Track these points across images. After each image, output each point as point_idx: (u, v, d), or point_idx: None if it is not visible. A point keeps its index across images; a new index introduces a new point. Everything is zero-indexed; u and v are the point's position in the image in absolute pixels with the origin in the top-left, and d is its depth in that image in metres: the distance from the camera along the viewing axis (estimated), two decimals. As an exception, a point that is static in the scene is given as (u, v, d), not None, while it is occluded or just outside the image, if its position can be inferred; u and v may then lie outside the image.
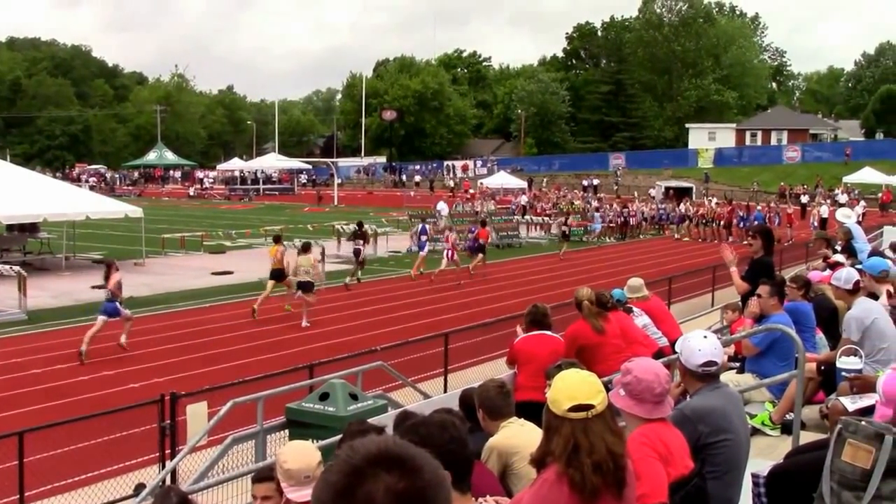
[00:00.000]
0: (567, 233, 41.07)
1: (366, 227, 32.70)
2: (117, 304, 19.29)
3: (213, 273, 31.27)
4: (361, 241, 30.18)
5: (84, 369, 17.83)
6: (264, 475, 5.68)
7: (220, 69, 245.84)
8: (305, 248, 24.21)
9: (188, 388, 12.62)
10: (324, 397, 9.61)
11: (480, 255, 32.13)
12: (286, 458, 5.04)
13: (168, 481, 9.90)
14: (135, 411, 11.82)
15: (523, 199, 60.23)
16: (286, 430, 9.92)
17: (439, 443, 3.62)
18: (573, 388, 3.74)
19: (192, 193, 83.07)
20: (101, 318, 19.08)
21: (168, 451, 10.95)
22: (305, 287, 23.10)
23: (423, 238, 32.58)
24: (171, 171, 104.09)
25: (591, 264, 36.33)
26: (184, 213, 60.79)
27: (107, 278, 19.43)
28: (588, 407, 3.68)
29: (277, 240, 25.17)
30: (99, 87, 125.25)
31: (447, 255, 30.94)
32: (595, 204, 54.24)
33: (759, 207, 48.19)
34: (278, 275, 24.15)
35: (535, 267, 35.06)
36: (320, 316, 23.54)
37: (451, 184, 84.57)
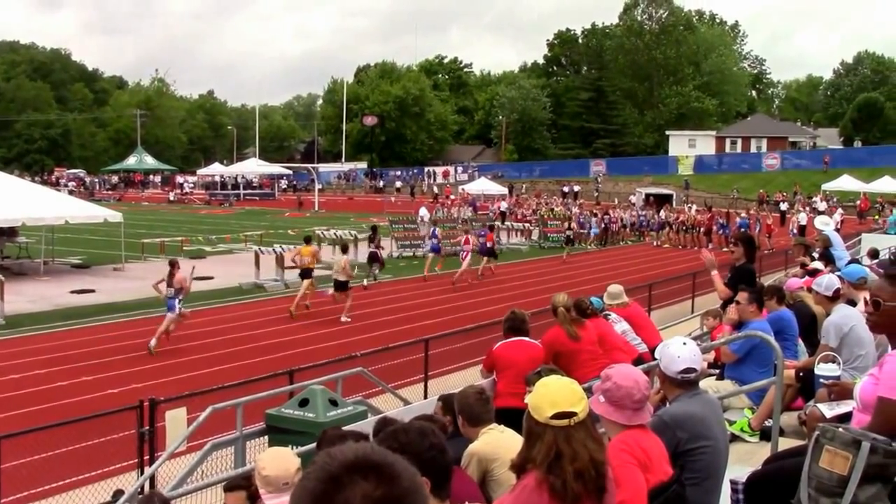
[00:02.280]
0: (571, 237, 42.85)
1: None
2: (176, 301, 20.27)
3: (193, 278, 31.09)
4: (374, 245, 31.68)
5: (62, 375, 17.71)
6: (235, 484, 5.66)
7: (201, 74, 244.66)
8: (344, 249, 26.49)
9: (167, 393, 12.56)
10: (304, 403, 9.59)
11: (491, 258, 33.75)
12: (264, 464, 5.02)
13: (146, 487, 9.86)
14: (113, 417, 11.74)
15: (503, 205, 60.35)
16: (266, 437, 9.90)
17: (419, 450, 3.61)
18: (555, 395, 3.75)
19: (172, 198, 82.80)
20: (168, 316, 20.33)
21: (147, 458, 10.88)
22: (342, 287, 24.65)
23: (434, 241, 34.16)
24: (151, 176, 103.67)
25: (573, 270, 36.39)
26: (164, 217, 60.57)
27: (171, 276, 20.44)
28: (570, 414, 3.68)
29: (308, 240, 26.86)
30: (78, 91, 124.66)
31: (462, 256, 32.50)
32: (576, 210, 54.33)
33: (743, 214, 48.36)
34: (307, 274, 25.40)
35: (515, 273, 35.06)
36: (300, 322, 23.49)
37: (435, 190, 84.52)
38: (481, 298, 28.21)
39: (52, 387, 16.86)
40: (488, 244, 33.63)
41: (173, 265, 20.87)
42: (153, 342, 19.79)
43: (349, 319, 24.09)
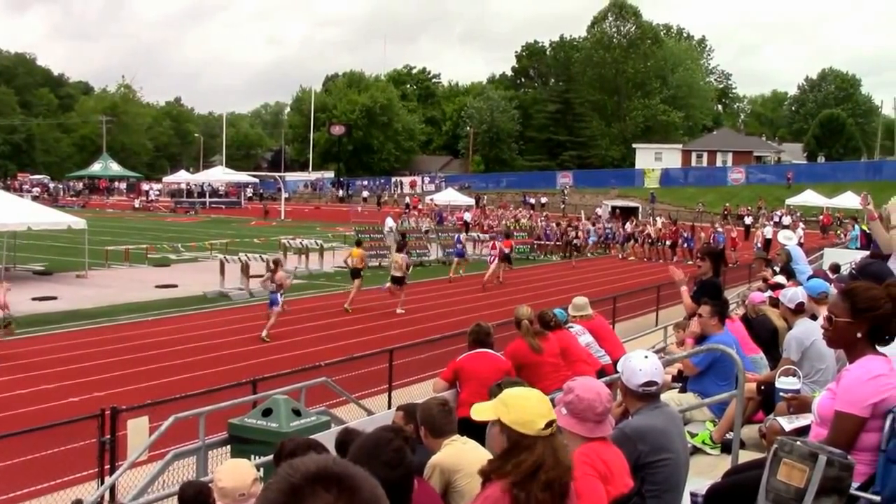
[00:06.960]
0: (578, 245, 46.33)
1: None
2: (279, 295, 22.56)
3: (157, 286, 30.93)
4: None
5: (22, 383, 17.52)
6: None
7: (168, 81, 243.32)
8: (399, 248, 29.28)
9: (129, 402, 12.46)
10: (267, 413, 9.54)
11: (506, 263, 36.26)
12: (220, 476, 5.04)
13: (107, 497, 9.78)
14: (74, 426, 11.63)
15: (466, 216, 60.47)
16: (228, 446, 9.84)
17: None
18: (540, 407, 3.81)
19: (137, 205, 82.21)
20: (274, 310, 22.51)
21: (107, 467, 10.78)
22: (398, 281, 27.23)
23: (460, 246, 37.76)
24: (117, 183, 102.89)
25: (537, 282, 36.48)
26: (128, 225, 60.11)
27: (273, 273, 22.67)
28: (553, 422, 3.76)
29: (360, 244, 29.52)
30: (43, 96, 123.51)
31: (490, 261, 35.58)
32: (544, 223, 54.46)
33: (719, 229, 48.63)
34: (357, 274, 27.62)
35: (479, 283, 35.06)
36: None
37: (407, 200, 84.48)
38: (444, 309, 28.22)
39: (12, 395, 16.68)
40: (506, 250, 36.18)
41: (276, 263, 23.20)
42: (265, 333, 22.19)
43: (404, 311, 26.93)
